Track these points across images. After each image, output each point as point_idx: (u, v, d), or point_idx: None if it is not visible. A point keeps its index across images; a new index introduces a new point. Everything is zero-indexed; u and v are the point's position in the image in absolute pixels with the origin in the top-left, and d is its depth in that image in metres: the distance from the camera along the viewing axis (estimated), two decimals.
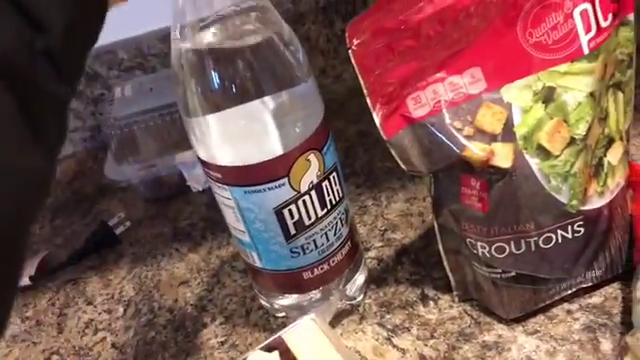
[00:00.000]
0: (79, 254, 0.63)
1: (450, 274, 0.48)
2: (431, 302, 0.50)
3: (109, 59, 0.74)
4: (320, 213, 0.42)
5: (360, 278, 0.50)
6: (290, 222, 0.41)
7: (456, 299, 0.49)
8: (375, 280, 0.53)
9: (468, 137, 0.40)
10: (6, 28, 0.24)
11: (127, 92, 0.67)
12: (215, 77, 0.37)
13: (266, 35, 0.38)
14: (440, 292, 0.50)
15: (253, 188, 0.40)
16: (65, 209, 0.71)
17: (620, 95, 0.44)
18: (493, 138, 0.40)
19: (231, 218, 0.43)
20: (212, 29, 0.37)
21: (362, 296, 0.51)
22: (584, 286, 0.46)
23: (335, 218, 0.44)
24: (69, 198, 0.72)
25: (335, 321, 0.49)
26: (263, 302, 0.50)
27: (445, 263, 0.48)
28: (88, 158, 0.78)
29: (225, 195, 0.41)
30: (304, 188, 0.41)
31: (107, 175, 0.64)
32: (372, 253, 0.55)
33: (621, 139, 0.44)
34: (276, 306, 0.49)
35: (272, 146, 0.39)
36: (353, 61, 0.39)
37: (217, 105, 0.38)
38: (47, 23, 0.24)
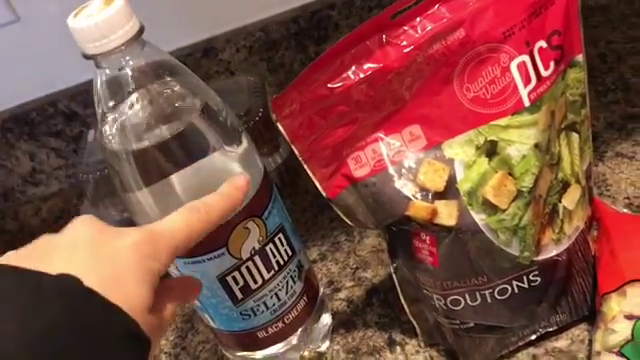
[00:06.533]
0: None
1: (414, 321, 0.48)
2: (398, 347, 0.49)
3: (85, 98, 0.74)
4: (267, 276, 0.42)
5: (322, 327, 0.49)
6: (235, 288, 0.41)
7: (422, 344, 0.48)
8: (344, 324, 0.52)
9: (410, 196, 0.39)
10: None
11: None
12: (143, 154, 0.37)
13: (192, 111, 0.37)
14: (407, 336, 0.49)
15: (192, 259, 0.39)
16: None
17: (574, 136, 0.42)
18: (436, 196, 0.39)
19: None
20: (135, 112, 0.37)
21: (328, 342, 0.50)
22: (549, 330, 0.45)
23: (285, 277, 0.43)
24: None
25: None
26: (231, 357, 0.50)
27: (407, 311, 0.47)
28: (73, 196, 0.79)
29: None
30: (245, 255, 0.40)
31: None
32: (342, 294, 0.55)
33: (578, 181, 0.42)
34: None
35: None
36: (283, 132, 0.38)
37: (148, 179, 0.37)
38: None
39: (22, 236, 0.76)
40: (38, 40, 0.69)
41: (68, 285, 0.27)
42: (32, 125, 0.75)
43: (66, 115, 0.75)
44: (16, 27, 0.69)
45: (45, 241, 0.30)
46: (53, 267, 0.27)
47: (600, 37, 0.72)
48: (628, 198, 0.53)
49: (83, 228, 0.30)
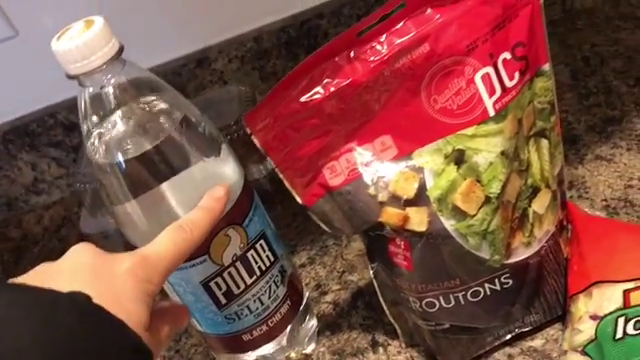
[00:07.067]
0: None
1: (394, 322, 0.49)
2: (380, 348, 0.51)
3: None
4: (249, 281, 0.44)
5: (308, 329, 0.51)
6: (219, 293, 0.43)
7: (403, 345, 0.50)
8: (330, 326, 0.54)
9: (383, 203, 0.41)
10: None
11: None
12: (127, 167, 0.39)
13: (171, 125, 0.39)
14: (390, 338, 0.51)
15: None
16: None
17: (544, 142, 0.44)
18: (407, 202, 0.41)
19: (167, 290, 0.45)
20: (118, 127, 0.38)
21: (314, 344, 0.52)
22: (524, 330, 0.47)
23: (268, 282, 0.45)
24: (56, 247, 0.76)
25: None
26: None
27: (387, 312, 0.49)
28: (74, 204, 0.81)
29: None
30: (227, 261, 0.42)
31: (82, 229, 0.66)
32: (329, 297, 0.57)
33: (548, 186, 0.44)
34: None
35: None
36: (258, 144, 0.40)
37: (133, 192, 0.39)
38: None
39: (25, 244, 0.78)
40: (36, 54, 0.72)
41: (80, 301, 0.29)
42: (33, 136, 0.77)
43: (65, 126, 0.77)
44: (15, 42, 0.72)
45: (46, 267, 0.32)
46: (59, 289, 0.29)
47: (585, 40, 0.73)
48: (605, 200, 0.55)
49: (81, 255, 0.33)
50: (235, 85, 0.71)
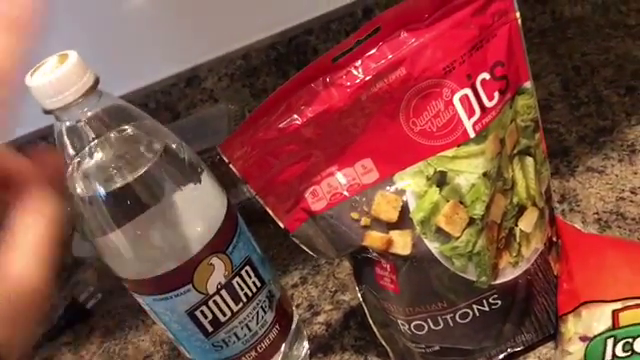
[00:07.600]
0: (54, 331, 0.66)
1: (385, 344, 0.49)
2: None
3: None
4: (235, 308, 0.43)
5: (299, 353, 0.51)
6: (205, 321, 0.43)
7: None
8: (322, 348, 0.53)
9: (366, 227, 0.41)
10: None
11: None
12: (107, 199, 0.38)
13: (151, 154, 0.39)
14: (382, 359, 0.51)
15: (161, 296, 0.41)
16: None
17: (529, 160, 0.43)
18: (390, 226, 0.40)
19: (154, 318, 0.44)
20: (97, 159, 0.38)
21: None
22: (517, 349, 0.46)
23: (255, 308, 0.45)
24: None
25: None
26: None
27: (378, 334, 0.48)
28: (69, 227, 0.81)
29: (140, 300, 0.43)
30: (212, 290, 0.42)
31: (74, 253, 0.66)
32: (321, 318, 0.56)
33: (534, 204, 0.43)
34: None
35: (169, 257, 0.40)
36: (237, 172, 0.39)
37: (115, 222, 0.39)
38: None
39: None
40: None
41: None
42: None
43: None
44: None
45: None
46: None
47: (575, 49, 0.73)
48: (597, 213, 0.54)
49: None
50: (225, 103, 0.71)
